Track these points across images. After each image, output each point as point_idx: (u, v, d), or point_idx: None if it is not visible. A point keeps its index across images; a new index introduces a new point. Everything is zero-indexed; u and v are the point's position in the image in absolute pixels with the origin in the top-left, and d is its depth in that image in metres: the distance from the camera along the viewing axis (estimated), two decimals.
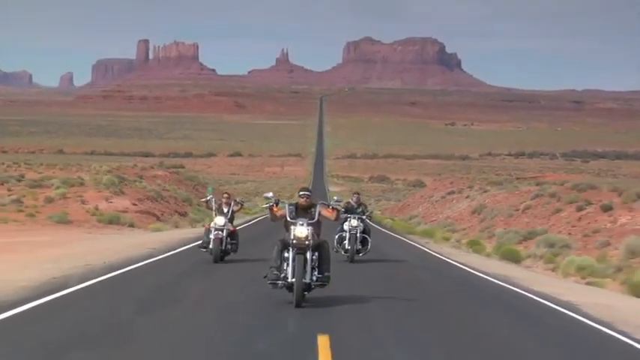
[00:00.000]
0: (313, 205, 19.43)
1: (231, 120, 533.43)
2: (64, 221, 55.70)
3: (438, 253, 43.59)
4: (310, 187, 19.61)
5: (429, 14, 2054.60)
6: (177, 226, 62.66)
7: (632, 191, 62.35)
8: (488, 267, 35.41)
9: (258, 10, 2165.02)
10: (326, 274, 19.21)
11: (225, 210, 30.96)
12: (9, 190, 69.10)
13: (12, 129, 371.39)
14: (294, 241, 18.88)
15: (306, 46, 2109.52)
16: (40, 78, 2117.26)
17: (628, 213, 55.75)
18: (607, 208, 58.21)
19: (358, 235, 32.91)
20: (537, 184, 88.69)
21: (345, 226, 32.87)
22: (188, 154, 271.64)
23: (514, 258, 42.23)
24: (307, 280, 18.94)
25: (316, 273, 19.13)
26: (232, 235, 30.85)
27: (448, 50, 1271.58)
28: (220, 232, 30.21)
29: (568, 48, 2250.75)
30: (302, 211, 19.35)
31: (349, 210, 32.67)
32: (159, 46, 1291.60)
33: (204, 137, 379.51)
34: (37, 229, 49.46)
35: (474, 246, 50.68)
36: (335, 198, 19.91)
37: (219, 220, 30.41)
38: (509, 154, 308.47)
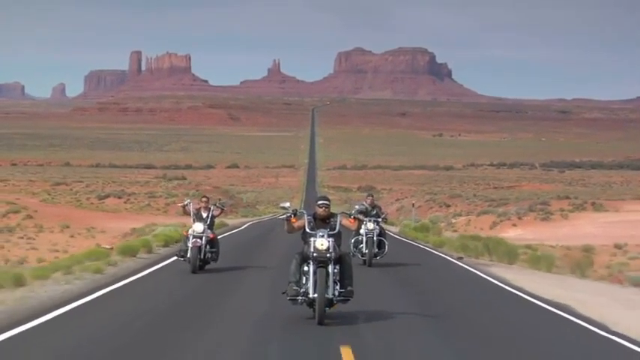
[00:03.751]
0: (333, 215, 18.66)
1: (225, 132, 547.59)
2: (182, 215, 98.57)
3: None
4: (327, 196, 19.35)
5: (419, 24, 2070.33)
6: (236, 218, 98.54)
7: (468, 196, 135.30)
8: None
9: (250, 21, 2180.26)
10: (349, 288, 18.35)
11: (205, 215, 28.80)
12: (135, 199, 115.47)
13: (18, 142, 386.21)
14: (315, 254, 18.09)
15: (297, 57, 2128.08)
16: (32, 89, 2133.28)
17: (456, 208, 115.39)
18: (448, 205, 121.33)
19: (375, 238, 32.50)
20: (434, 194, 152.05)
21: (362, 230, 32.08)
22: (188, 166, 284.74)
23: (392, 224, 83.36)
24: (329, 296, 18.11)
25: (338, 287, 18.29)
26: (212, 242, 28.79)
27: (438, 60, 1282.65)
28: (199, 240, 28.12)
29: (560, 57, 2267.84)
30: (320, 221, 18.57)
31: (364, 213, 31.13)
32: (151, 58, 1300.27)
33: (201, 149, 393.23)
34: (175, 217, 79.90)
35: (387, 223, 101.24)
36: (357, 207, 19.92)
37: (198, 227, 28.34)
38: (491, 165, 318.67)
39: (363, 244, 32.48)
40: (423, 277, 30.88)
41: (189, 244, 28.14)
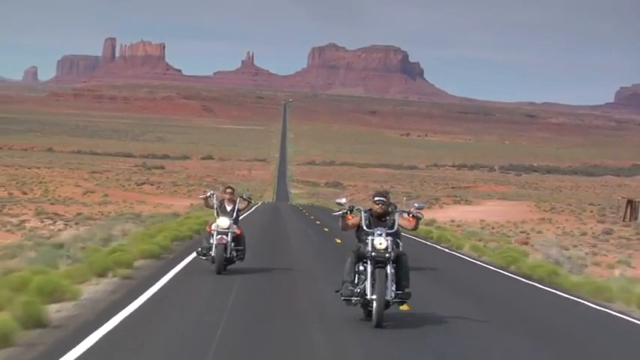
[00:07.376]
0: (389, 213, 17.96)
1: (199, 124, 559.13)
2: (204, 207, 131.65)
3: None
4: (383, 192, 18.58)
5: (393, 22, 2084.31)
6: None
7: (398, 193, 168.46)
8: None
9: (225, 12, 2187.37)
10: (406, 290, 17.60)
11: (229, 208, 26.19)
12: (164, 186, 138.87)
13: (0, 127, 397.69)
14: (374, 254, 17.34)
15: (271, 50, 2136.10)
16: (3, 71, 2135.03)
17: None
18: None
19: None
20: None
21: None
22: (165, 156, 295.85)
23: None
24: (387, 297, 17.29)
25: (394, 289, 17.47)
26: (238, 239, 26.15)
27: (411, 59, 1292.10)
28: (224, 237, 25.66)
29: (533, 60, 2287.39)
30: (376, 219, 17.85)
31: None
32: (125, 45, 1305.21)
33: (176, 140, 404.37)
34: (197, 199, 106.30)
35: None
36: (416, 205, 18.21)
37: (223, 222, 25.84)
38: (453, 166, 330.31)
39: None
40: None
41: (214, 241, 25.65)
